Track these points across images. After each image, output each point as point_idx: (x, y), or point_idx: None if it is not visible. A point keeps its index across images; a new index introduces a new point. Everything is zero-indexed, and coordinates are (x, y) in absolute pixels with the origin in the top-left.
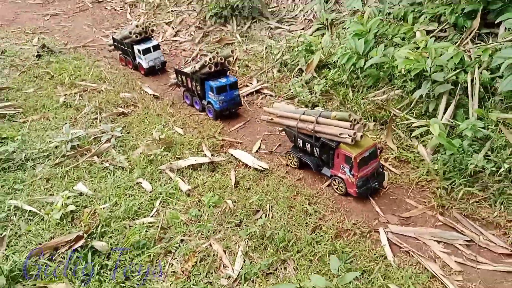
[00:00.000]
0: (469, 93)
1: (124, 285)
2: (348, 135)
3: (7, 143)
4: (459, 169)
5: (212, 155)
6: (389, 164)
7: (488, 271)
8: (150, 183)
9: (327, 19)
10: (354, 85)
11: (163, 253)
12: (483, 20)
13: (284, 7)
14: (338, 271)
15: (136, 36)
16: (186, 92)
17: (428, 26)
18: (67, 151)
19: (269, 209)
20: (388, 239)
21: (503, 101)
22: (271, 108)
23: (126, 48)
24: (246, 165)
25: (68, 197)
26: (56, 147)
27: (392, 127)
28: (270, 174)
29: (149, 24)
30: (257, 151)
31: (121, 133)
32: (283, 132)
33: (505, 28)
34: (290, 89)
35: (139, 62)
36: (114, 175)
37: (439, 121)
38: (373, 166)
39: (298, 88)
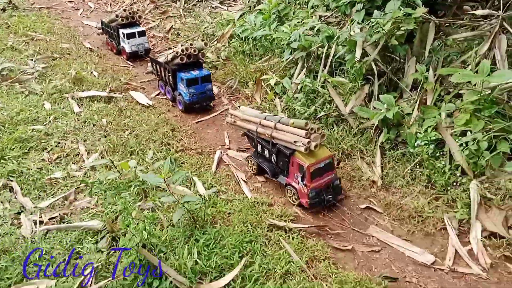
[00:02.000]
0: (322, 61)
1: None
2: (302, 143)
3: None
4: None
5: (111, 91)
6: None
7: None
8: (51, 105)
9: (251, 1)
10: (250, 54)
11: (40, 149)
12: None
13: None
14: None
15: (122, 20)
16: (160, 81)
17: (324, 12)
18: None
19: (136, 129)
20: (221, 158)
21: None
22: (236, 111)
23: (112, 32)
24: (137, 102)
25: None
26: None
27: (262, 84)
28: (153, 109)
29: (138, 10)
30: (157, 95)
31: (44, 70)
32: (245, 135)
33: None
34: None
35: (122, 46)
36: (26, 97)
37: (288, 80)
38: (329, 178)
39: (210, 54)
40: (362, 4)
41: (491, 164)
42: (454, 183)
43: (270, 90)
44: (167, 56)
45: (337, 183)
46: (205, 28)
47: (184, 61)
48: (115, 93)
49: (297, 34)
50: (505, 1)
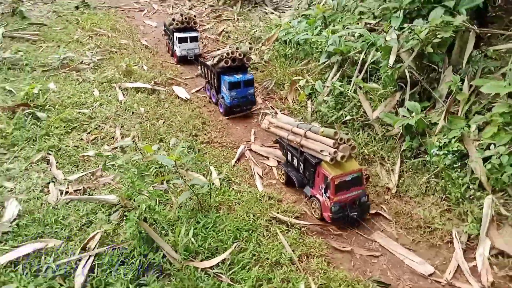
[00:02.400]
0: (358, 67)
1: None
2: (329, 153)
3: (21, 55)
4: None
5: (156, 84)
6: (279, 110)
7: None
8: (99, 92)
9: (302, 7)
10: (292, 57)
11: (82, 130)
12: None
13: None
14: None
15: (177, 24)
16: (207, 84)
17: (371, 20)
18: (57, 65)
19: (170, 120)
20: (244, 153)
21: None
22: (272, 119)
23: (170, 34)
24: (177, 96)
25: (36, 87)
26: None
27: (297, 87)
28: (190, 104)
29: (194, 16)
30: (197, 91)
31: (100, 62)
32: (277, 142)
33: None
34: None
35: (174, 49)
36: (79, 84)
37: (320, 82)
38: (355, 194)
39: (253, 56)
40: (403, 11)
41: None
42: (470, 197)
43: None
44: (213, 59)
45: (365, 200)
46: (254, 31)
47: (228, 64)
48: (158, 86)
49: (334, 38)
50: None
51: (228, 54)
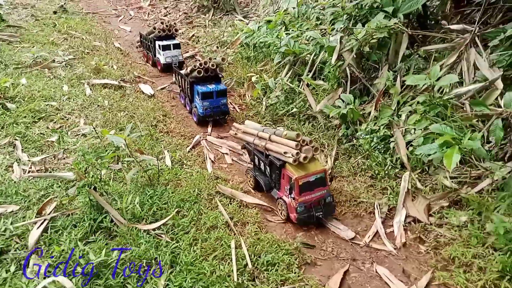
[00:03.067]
0: (308, 66)
1: None
2: (292, 154)
3: None
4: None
5: (123, 81)
6: (237, 105)
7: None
8: (68, 88)
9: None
10: (253, 59)
11: (49, 120)
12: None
13: (253, 7)
14: None
15: (159, 32)
16: (181, 92)
17: (325, 26)
18: (30, 63)
19: (132, 112)
20: (200, 142)
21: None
22: (240, 125)
23: (149, 44)
24: (142, 92)
25: (8, 82)
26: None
27: (254, 85)
28: (154, 99)
29: (174, 23)
30: (162, 89)
31: (72, 62)
32: (244, 148)
33: None
34: (214, 58)
35: (157, 58)
36: (50, 80)
37: (273, 80)
38: (320, 194)
39: (218, 58)
40: (346, 15)
41: (432, 161)
42: (392, 174)
43: (260, 91)
44: (186, 68)
45: (330, 200)
46: (221, 36)
47: (201, 75)
48: (126, 83)
49: (287, 39)
50: (482, 17)
51: (201, 64)
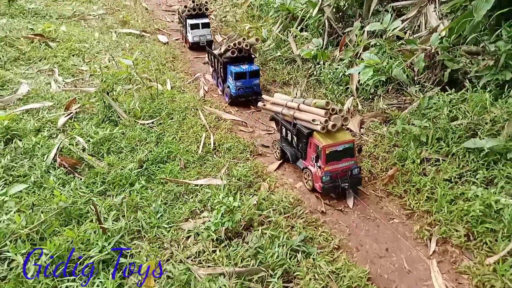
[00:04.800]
0: (298, 21)
1: None
2: (320, 122)
3: (43, 7)
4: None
5: (144, 32)
6: None
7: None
8: (99, 34)
9: None
10: (259, 17)
11: (80, 56)
12: None
13: None
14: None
15: (189, 11)
16: (214, 72)
17: None
18: (69, 15)
19: (147, 54)
20: (199, 78)
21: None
22: (268, 97)
23: (183, 22)
24: (159, 40)
25: (51, 27)
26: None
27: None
28: (167, 46)
29: (206, 2)
30: (176, 40)
31: (104, 16)
32: (273, 120)
33: None
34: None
35: (187, 36)
36: (84, 29)
37: (265, 31)
38: (347, 165)
39: (229, 17)
40: None
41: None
42: (341, 95)
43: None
44: (220, 49)
45: (356, 172)
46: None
47: (235, 55)
48: (146, 33)
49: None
50: None
51: (234, 44)
